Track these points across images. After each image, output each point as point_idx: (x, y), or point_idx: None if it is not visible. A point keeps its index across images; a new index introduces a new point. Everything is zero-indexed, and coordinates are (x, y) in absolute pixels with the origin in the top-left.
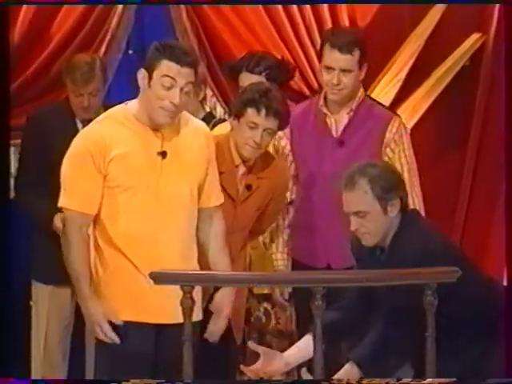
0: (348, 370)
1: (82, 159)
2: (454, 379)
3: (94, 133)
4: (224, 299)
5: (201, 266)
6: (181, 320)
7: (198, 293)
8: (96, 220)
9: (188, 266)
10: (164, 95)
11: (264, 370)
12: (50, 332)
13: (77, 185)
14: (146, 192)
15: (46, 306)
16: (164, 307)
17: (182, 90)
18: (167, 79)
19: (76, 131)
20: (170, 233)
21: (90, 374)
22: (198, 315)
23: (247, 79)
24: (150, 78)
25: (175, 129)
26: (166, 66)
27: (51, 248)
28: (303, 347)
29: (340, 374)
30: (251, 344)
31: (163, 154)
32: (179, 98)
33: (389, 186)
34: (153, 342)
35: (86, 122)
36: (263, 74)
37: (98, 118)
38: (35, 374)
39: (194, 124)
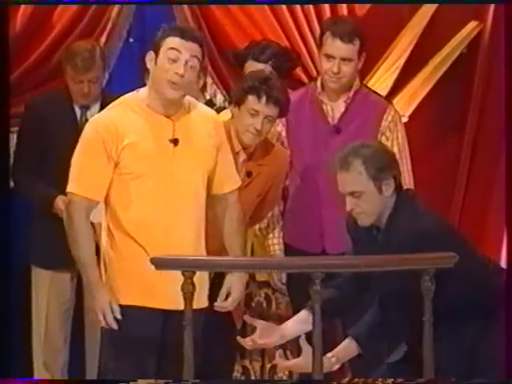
0: (347, 346)
1: (94, 145)
2: (452, 379)
3: (106, 120)
4: (235, 283)
5: (214, 250)
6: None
7: (204, 279)
8: (108, 206)
9: (198, 252)
10: (169, 67)
11: (260, 341)
12: (50, 317)
13: (85, 170)
14: (158, 179)
15: (46, 290)
16: (173, 293)
17: (187, 63)
18: (172, 51)
19: (74, 117)
20: (181, 219)
21: (90, 359)
22: (203, 302)
23: (253, 68)
24: (157, 56)
25: (185, 116)
26: (172, 40)
27: (50, 233)
28: (300, 321)
29: (339, 349)
30: (247, 317)
31: (175, 141)
32: (184, 69)
33: (382, 165)
34: (161, 328)
35: (84, 109)
36: (269, 62)
37: (109, 105)
38: (36, 359)
39: (202, 111)
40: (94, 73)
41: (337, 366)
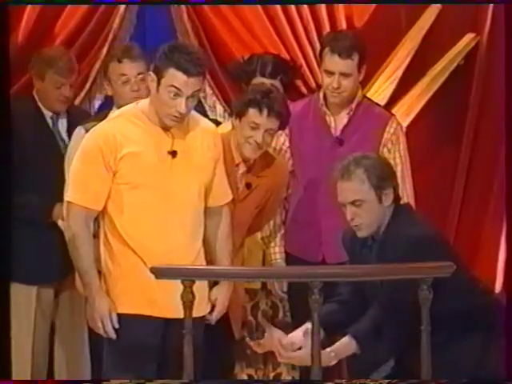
0: (346, 343)
1: (92, 156)
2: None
3: (106, 131)
4: (220, 296)
5: (206, 261)
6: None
7: (203, 288)
8: (105, 216)
9: (197, 262)
10: (171, 103)
11: (268, 345)
12: (37, 333)
13: (84, 180)
14: (155, 190)
15: (31, 307)
16: (172, 302)
17: (188, 98)
18: (173, 89)
19: (46, 126)
20: (179, 230)
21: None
22: (202, 310)
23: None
24: (159, 83)
25: (185, 128)
26: (173, 76)
27: (34, 248)
28: (307, 332)
29: (338, 346)
30: (261, 319)
31: (173, 154)
32: (185, 106)
33: (383, 175)
34: (161, 336)
35: (55, 117)
36: (278, 78)
37: (109, 117)
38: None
39: (202, 124)
40: (75, 76)
41: (334, 362)
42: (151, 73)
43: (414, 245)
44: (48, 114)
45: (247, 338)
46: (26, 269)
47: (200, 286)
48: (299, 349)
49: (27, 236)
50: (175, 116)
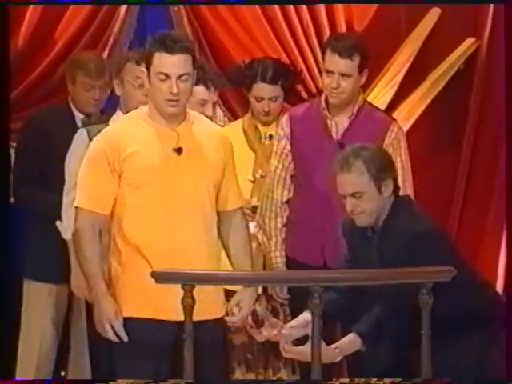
0: (351, 341)
1: (98, 160)
2: (448, 379)
3: (111, 134)
4: (244, 299)
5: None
6: (199, 317)
7: (219, 289)
8: (113, 219)
9: (212, 267)
10: (163, 87)
11: (267, 335)
12: (46, 331)
13: (91, 185)
14: (161, 188)
15: (42, 304)
16: (178, 304)
17: (178, 78)
18: (162, 75)
19: (75, 127)
20: (187, 231)
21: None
22: (220, 312)
23: (262, 89)
24: (149, 75)
25: (190, 128)
26: (159, 59)
27: (48, 247)
28: (305, 320)
29: (343, 342)
30: (259, 308)
31: (178, 151)
32: (176, 86)
33: (382, 166)
34: (172, 340)
35: (86, 119)
36: (279, 83)
37: (115, 120)
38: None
39: (209, 125)
40: (105, 79)
41: (339, 358)
42: (143, 69)
43: (413, 238)
44: (79, 117)
45: (248, 327)
46: (40, 267)
47: (215, 289)
48: (299, 343)
49: (43, 235)
50: (170, 100)
